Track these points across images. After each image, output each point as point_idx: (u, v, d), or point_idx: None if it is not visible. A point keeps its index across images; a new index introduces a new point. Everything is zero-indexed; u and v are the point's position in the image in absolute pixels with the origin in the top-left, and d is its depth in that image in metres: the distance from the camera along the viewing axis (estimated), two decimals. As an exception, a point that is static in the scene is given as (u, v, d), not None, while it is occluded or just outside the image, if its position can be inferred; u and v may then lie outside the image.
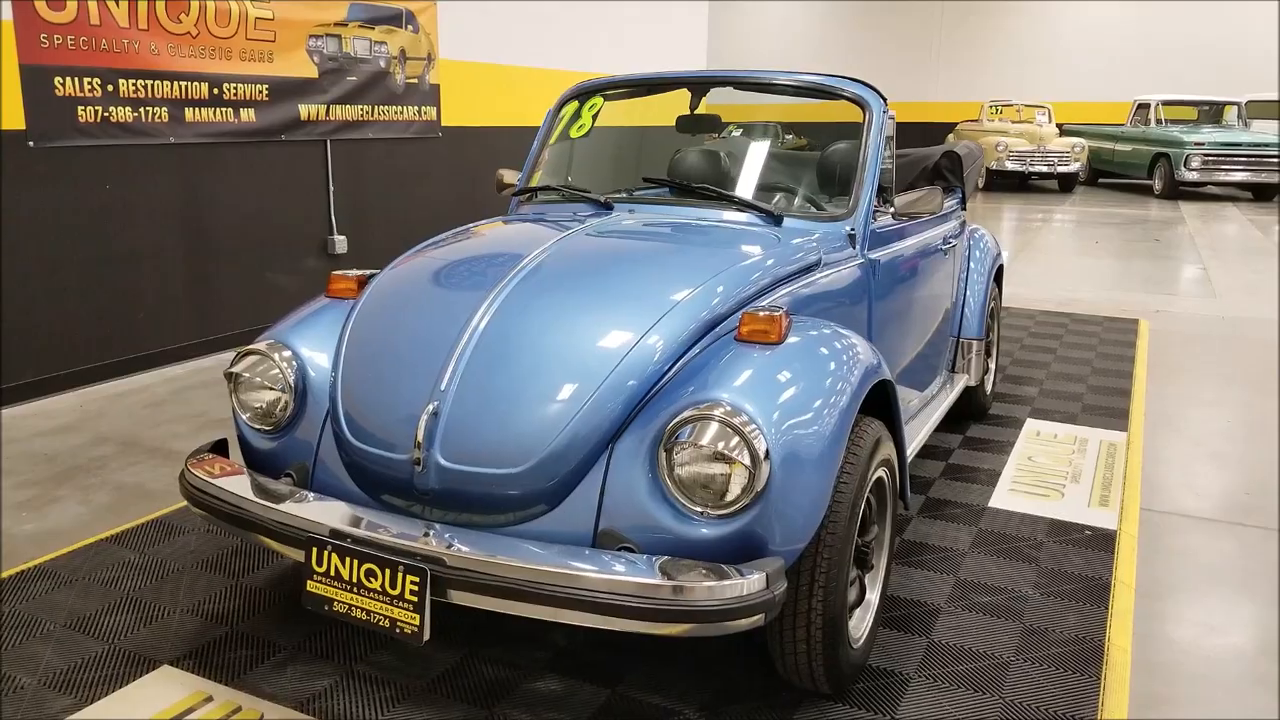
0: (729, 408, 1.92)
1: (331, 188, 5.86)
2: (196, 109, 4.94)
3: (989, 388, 4.34)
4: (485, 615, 2.19)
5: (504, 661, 2.40)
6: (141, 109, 4.68)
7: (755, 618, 1.84)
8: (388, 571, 1.92)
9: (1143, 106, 15.44)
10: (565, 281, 2.28)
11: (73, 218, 4.51)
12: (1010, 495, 3.49)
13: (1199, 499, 3.52)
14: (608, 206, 2.91)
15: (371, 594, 1.94)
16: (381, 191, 6.29)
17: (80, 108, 4.43)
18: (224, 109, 5.08)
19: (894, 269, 2.99)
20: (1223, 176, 14.05)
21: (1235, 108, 15.04)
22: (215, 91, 5.02)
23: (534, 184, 3.25)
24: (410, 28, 6.22)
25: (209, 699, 2.25)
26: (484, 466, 2.01)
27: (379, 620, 1.94)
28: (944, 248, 3.57)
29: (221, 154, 5.15)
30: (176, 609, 2.65)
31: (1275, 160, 13.81)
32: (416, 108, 6.38)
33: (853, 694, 2.29)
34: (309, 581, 2.01)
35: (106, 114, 4.53)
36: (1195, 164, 13.91)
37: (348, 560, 1.96)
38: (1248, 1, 17.60)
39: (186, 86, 4.87)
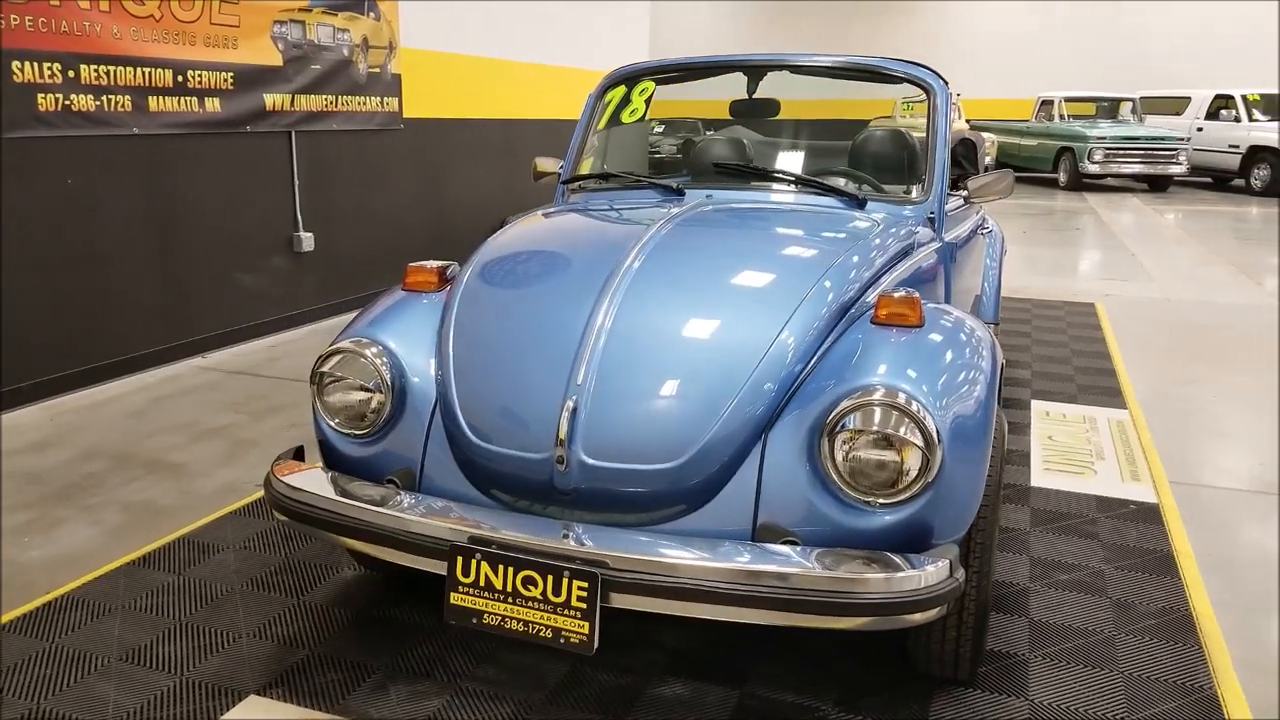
0: (890, 390, 1.86)
1: (297, 182, 5.56)
2: (160, 98, 4.61)
3: (995, 371, 4.40)
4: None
5: (618, 667, 2.29)
6: (104, 97, 4.34)
7: (937, 609, 1.79)
8: (550, 578, 1.79)
9: (1046, 103, 16.10)
10: (687, 274, 2.19)
11: (31, 215, 4.14)
12: (1047, 474, 3.54)
13: (1218, 471, 3.65)
14: (679, 192, 2.82)
15: (531, 603, 1.81)
16: (346, 186, 6.01)
17: (40, 95, 4.07)
18: (188, 98, 4.76)
19: (959, 252, 2.99)
20: (1121, 169, 14.75)
21: (1130, 103, 15.82)
22: (179, 79, 4.69)
23: (583, 170, 3.12)
24: (372, 15, 5.97)
25: (316, 727, 2.08)
26: (633, 463, 1.91)
27: (540, 631, 1.81)
28: (983, 232, 3.61)
29: (186, 146, 4.83)
30: (240, 633, 2.44)
31: (1168, 153, 14.58)
32: (379, 98, 6.13)
33: (981, 678, 2.27)
34: (453, 594, 1.86)
35: (68, 102, 4.18)
36: (1097, 157, 14.58)
37: (500, 568, 1.83)
38: (1143, 2, 18.60)
39: (150, 73, 4.54)
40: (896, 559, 1.81)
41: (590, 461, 1.91)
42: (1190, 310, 6.53)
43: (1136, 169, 14.76)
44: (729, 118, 3.77)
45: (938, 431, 1.83)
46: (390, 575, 2.70)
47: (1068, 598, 2.66)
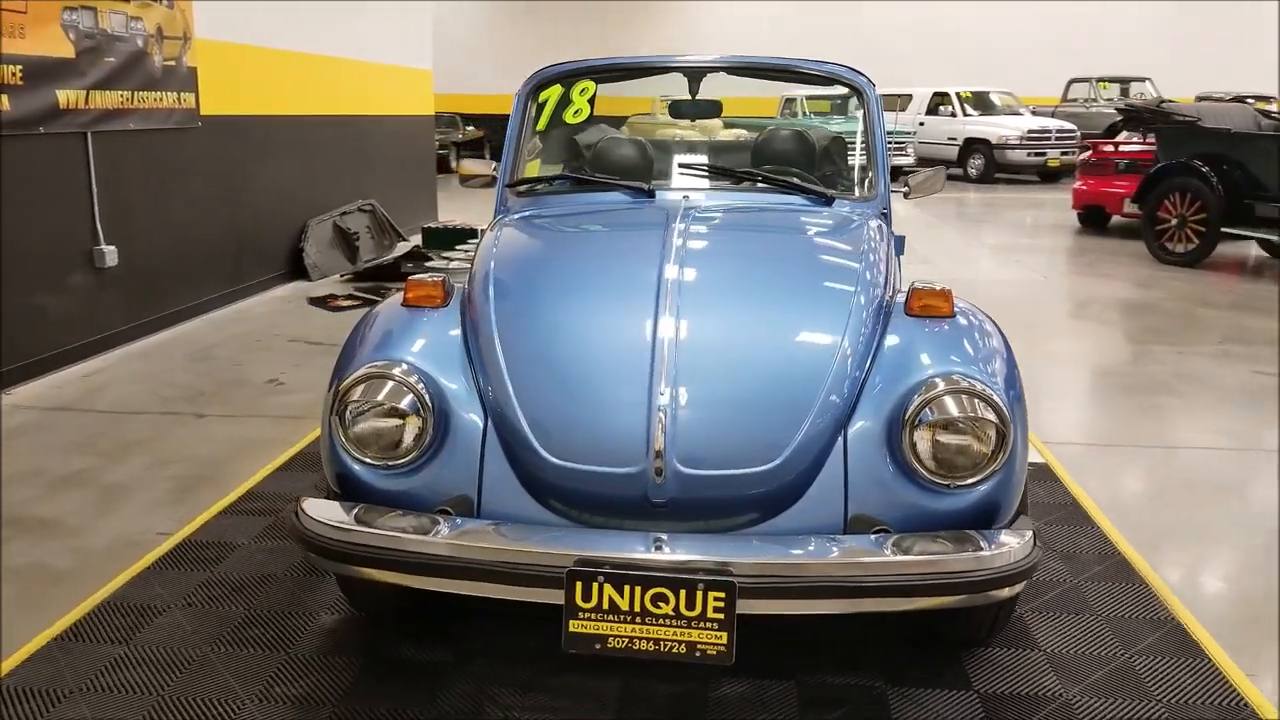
0: (957, 378, 1.97)
1: (95, 189, 4.90)
2: (-59, 93, 3.91)
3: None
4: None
5: (669, 678, 2.25)
6: (-125, 92, 3.62)
7: (1024, 581, 1.92)
8: (683, 592, 1.74)
9: (790, 100, 17.27)
10: (734, 284, 2.25)
11: None
12: (944, 445, 3.84)
13: (1072, 430, 4.13)
14: (650, 194, 2.79)
15: (662, 620, 1.75)
16: (148, 192, 5.37)
17: None
18: (-26, 94, 4.07)
19: (901, 246, 3.19)
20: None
21: (862, 101, 17.30)
22: (-37, 72, 4.00)
23: (528, 174, 3.01)
24: (165, 2, 5.36)
25: (390, 789, 1.89)
26: (730, 469, 1.89)
27: (673, 648, 1.75)
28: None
29: (-28, 150, 4.13)
30: (240, 699, 2.16)
31: (898, 145, 16.12)
32: (176, 94, 5.52)
33: (995, 639, 2.45)
34: (572, 622, 1.76)
35: None
36: (840, 150, 15.84)
37: (627, 588, 1.75)
38: (876, 2, 20.43)
39: (-71, 64, 3.83)
40: (981, 538, 1.91)
41: (686, 471, 1.88)
42: (978, 289, 7.27)
43: (872, 161, 16.18)
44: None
45: (1009, 412, 1.96)
46: (380, 616, 2.48)
47: (1021, 554, 2.91)
